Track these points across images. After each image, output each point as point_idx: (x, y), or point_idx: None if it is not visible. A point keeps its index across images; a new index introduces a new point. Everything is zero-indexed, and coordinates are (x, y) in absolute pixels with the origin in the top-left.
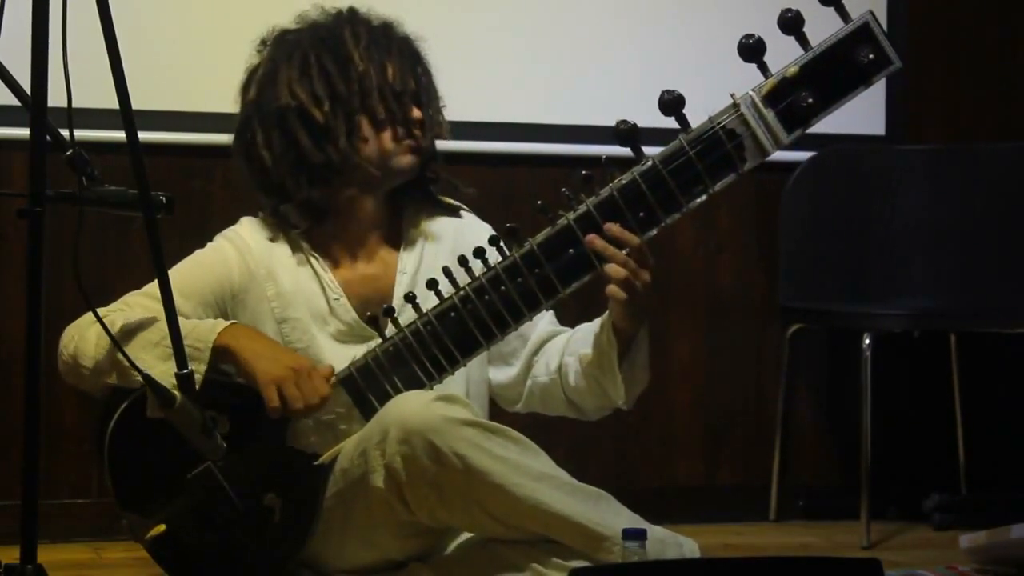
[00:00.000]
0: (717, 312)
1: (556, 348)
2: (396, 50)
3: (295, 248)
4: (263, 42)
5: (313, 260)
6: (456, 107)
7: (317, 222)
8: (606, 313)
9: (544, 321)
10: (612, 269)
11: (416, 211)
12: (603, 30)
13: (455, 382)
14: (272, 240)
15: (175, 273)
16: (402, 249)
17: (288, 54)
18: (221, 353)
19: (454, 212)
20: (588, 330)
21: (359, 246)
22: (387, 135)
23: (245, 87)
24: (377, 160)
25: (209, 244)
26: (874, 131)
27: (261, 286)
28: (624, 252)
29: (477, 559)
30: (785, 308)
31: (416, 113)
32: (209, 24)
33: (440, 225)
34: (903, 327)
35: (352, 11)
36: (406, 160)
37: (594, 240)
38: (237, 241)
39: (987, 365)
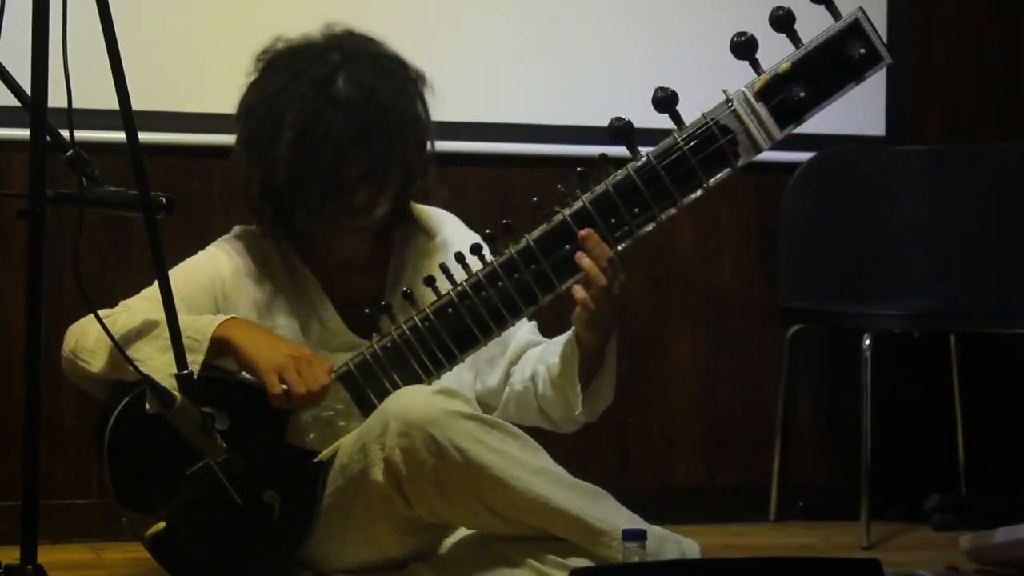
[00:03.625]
0: (717, 312)
1: (532, 357)
2: (336, 137)
3: (285, 256)
4: (265, 51)
5: (302, 269)
6: (455, 108)
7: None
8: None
9: (524, 331)
10: (588, 264)
11: (404, 225)
12: (602, 31)
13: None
14: (264, 248)
15: (170, 276)
16: (392, 258)
17: (247, 108)
18: (220, 345)
19: (438, 220)
20: (561, 341)
21: (347, 259)
22: (320, 220)
23: (236, 118)
24: (331, 233)
25: (201, 251)
26: (874, 131)
27: (251, 294)
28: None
29: (475, 556)
30: (785, 308)
31: (358, 199)
32: (209, 24)
33: (427, 235)
34: (903, 327)
35: (329, 73)
36: (352, 238)
37: (588, 237)
38: (228, 248)
39: (987, 365)
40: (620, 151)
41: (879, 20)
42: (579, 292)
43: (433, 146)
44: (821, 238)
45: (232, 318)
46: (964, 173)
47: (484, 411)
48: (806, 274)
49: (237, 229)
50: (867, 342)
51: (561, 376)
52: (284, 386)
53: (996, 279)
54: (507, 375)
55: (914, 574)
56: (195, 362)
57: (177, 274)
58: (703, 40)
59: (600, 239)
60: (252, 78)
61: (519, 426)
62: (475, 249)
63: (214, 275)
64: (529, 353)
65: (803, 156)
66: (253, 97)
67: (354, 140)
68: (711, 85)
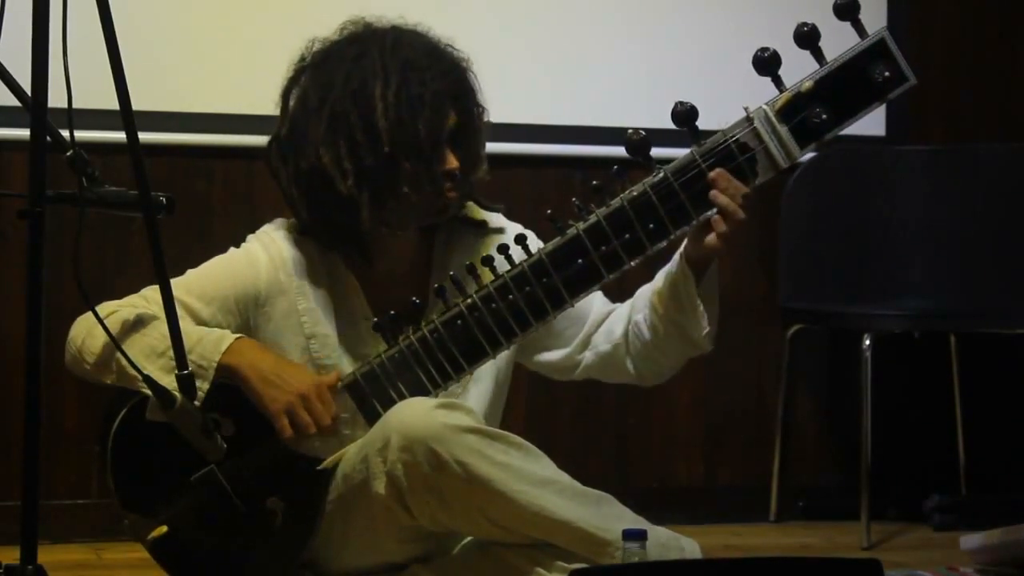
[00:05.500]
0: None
1: (620, 315)
2: (431, 96)
3: (329, 262)
4: (302, 58)
5: (347, 276)
6: None
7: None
8: (668, 264)
9: (598, 302)
10: (725, 202)
11: (448, 232)
12: (605, 31)
13: (485, 373)
14: (307, 250)
15: (200, 273)
16: (433, 272)
17: (320, 100)
18: (226, 372)
19: (483, 226)
20: (649, 288)
21: (392, 269)
22: (416, 198)
23: (281, 112)
24: (404, 222)
25: (243, 245)
26: (874, 131)
27: (292, 299)
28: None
29: (479, 562)
30: (785, 308)
31: (451, 163)
32: (209, 24)
33: (472, 244)
34: (903, 327)
35: (394, 43)
36: (435, 217)
37: (717, 178)
38: (272, 248)
39: (987, 365)
40: (633, 157)
41: (879, 20)
42: (720, 225)
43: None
44: (821, 238)
45: (239, 339)
46: (964, 173)
47: (556, 376)
48: (806, 274)
49: (280, 222)
50: (867, 342)
51: (676, 309)
52: (293, 428)
53: (996, 279)
54: (585, 343)
55: (914, 574)
56: (201, 389)
57: (209, 270)
58: (706, 40)
59: (731, 177)
60: (305, 77)
61: (530, 436)
62: (486, 261)
63: (248, 281)
64: (613, 315)
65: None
66: (320, 92)
67: (446, 93)
68: (714, 85)
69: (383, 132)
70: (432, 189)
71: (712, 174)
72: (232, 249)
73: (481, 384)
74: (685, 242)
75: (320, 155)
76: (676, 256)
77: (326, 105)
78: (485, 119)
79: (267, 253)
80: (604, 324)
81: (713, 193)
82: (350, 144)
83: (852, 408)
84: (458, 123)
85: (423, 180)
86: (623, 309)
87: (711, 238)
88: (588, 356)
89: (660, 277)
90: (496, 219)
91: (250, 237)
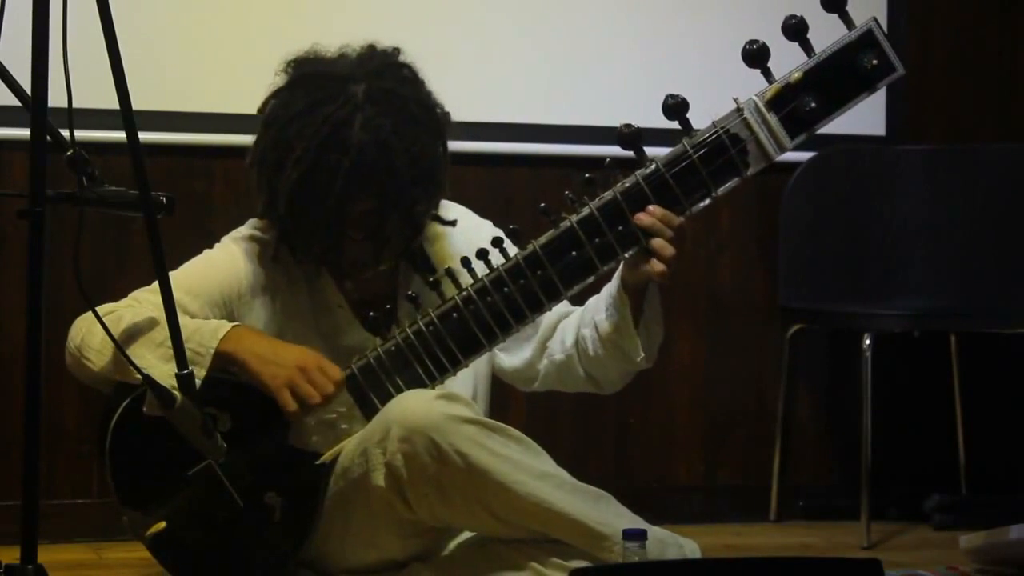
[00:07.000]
0: (717, 312)
1: (571, 324)
2: (340, 186)
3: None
4: (287, 64)
5: (319, 268)
6: (458, 107)
7: None
8: (613, 279)
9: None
10: (660, 244)
11: None
12: (605, 30)
13: (463, 379)
14: (280, 249)
15: (184, 271)
16: (402, 264)
17: (266, 122)
18: (224, 359)
19: (452, 223)
20: (601, 299)
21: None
22: (318, 250)
23: (259, 123)
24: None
25: (217, 245)
26: (874, 131)
27: (268, 294)
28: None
29: (477, 559)
30: (785, 308)
31: (353, 235)
32: (209, 24)
33: (442, 236)
34: (903, 327)
35: (356, 108)
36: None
37: (643, 218)
38: (246, 245)
39: (987, 365)
40: (624, 151)
41: (879, 20)
42: (657, 266)
43: (445, 190)
44: (821, 238)
45: (235, 326)
46: (964, 173)
47: (519, 385)
48: (806, 274)
49: (251, 224)
50: (867, 342)
51: (615, 331)
52: (297, 401)
53: (996, 279)
54: (543, 348)
55: (914, 574)
56: (198, 376)
57: (192, 268)
58: (705, 39)
59: (664, 214)
60: (277, 86)
61: (530, 434)
62: (481, 254)
63: (231, 275)
64: (565, 323)
65: (803, 156)
66: (271, 113)
67: (358, 187)
68: (713, 85)
69: (281, 194)
70: (331, 253)
71: (636, 216)
72: (207, 250)
73: (461, 379)
74: (621, 266)
75: (251, 168)
76: (614, 278)
77: (266, 132)
78: (429, 204)
79: (242, 250)
80: (558, 331)
81: (655, 241)
82: (263, 180)
83: (852, 408)
84: (371, 212)
85: (321, 240)
86: (574, 317)
87: (650, 266)
88: (545, 364)
89: (602, 295)
90: (454, 216)
91: (224, 238)
